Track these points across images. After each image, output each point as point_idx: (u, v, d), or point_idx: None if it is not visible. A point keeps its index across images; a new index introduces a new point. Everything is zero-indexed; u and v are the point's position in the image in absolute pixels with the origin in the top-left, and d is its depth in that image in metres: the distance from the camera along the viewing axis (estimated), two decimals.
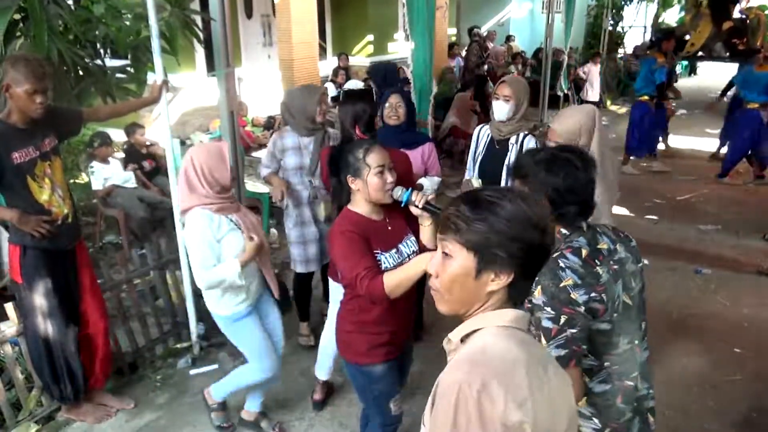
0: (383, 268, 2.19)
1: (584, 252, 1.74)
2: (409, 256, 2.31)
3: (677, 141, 9.55)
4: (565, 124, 2.71)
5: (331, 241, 2.29)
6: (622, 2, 15.85)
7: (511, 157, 3.33)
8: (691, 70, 18.43)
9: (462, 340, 1.22)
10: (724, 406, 3.46)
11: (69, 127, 3.19)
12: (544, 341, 1.68)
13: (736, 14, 11.55)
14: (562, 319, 1.67)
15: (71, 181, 5.89)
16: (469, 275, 1.19)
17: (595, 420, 1.82)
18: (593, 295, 1.69)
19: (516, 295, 1.23)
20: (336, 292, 3.30)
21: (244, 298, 2.83)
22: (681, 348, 3.99)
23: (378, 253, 2.23)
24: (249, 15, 9.78)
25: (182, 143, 7.63)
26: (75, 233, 3.17)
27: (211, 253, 2.64)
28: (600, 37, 14.23)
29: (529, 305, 1.74)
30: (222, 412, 3.21)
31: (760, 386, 3.63)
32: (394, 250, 2.29)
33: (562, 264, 1.71)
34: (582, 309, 1.67)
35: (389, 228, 2.31)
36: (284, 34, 8.56)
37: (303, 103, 3.56)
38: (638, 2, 16.32)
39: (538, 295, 1.70)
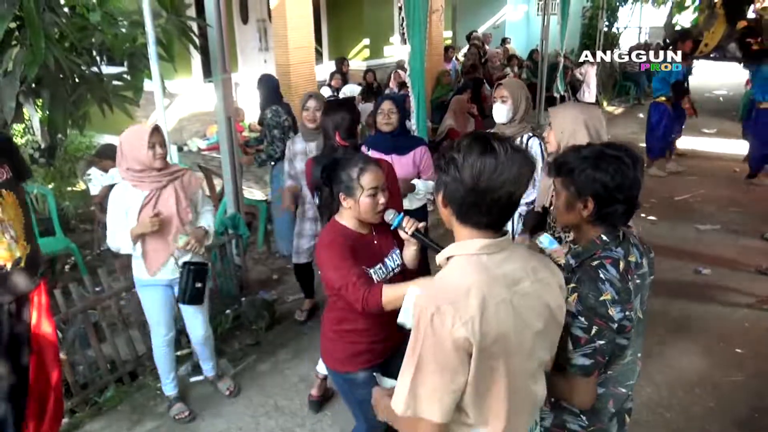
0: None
1: (622, 265, 1.71)
2: (393, 270, 2.32)
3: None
4: (561, 116, 2.72)
5: (318, 251, 2.28)
6: (617, 3, 15.91)
7: None
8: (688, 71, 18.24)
9: (448, 258, 1.49)
10: (726, 407, 3.45)
11: (21, 168, 2.81)
12: (571, 347, 1.67)
13: (750, 14, 11.43)
14: (594, 330, 1.65)
15: (68, 188, 5.88)
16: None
17: (583, 417, 1.85)
18: (627, 313, 1.68)
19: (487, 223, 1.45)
20: None
21: (146, 269, 3.11)
22: (681, 349, 3.99)
23: (364, 269, 2.22)
24: (245, 20, 9.77)
25: (180, 149, 7.63)
26: (29, 279, 2.72)
27: (118, 221, 3.00)
28: (595, 38, 14.27)
29: None
30: (176, 404, 3.45)
31: (761, 386, 3.63)
32: (379, 265, 2.29)
33: (602, 276, 1.68)
34: (615, 326, 1.66)
35: (375, 242, 2.32)
36: (280, 39, 8.54)
37: (300, 110, 3.70)
38: (633, 3, 16.38)
39: (572, 301, 1.67)
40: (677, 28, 12.56)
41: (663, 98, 7.72)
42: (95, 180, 5.43)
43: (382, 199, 2.21)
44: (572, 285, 1.70)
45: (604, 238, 1.74)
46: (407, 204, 3.69)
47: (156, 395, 3.61)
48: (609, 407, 1.85)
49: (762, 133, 7.30)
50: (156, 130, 2.97)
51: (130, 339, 3.74)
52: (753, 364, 3.85)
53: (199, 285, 3.17)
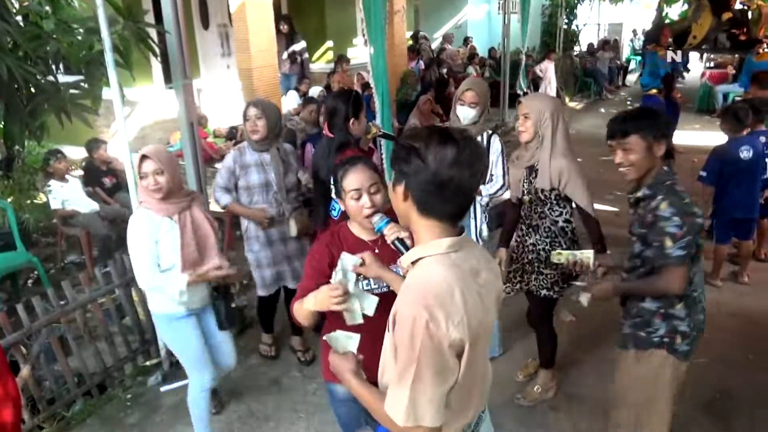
0: None
1: (684, 185, 2.29)
2: (388, 286, 2.03)
3: None
4: (537, 104, 3.00)
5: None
6: (576, 1, 16.21)
7: None
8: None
9: (413, 263, 1.51)
10: (689, 390, 3.53)
11: None
12: (669, 243, 2.18)
13: (737, 5, 11.65)
14: (685, 227, 2.16)
15: (28, 201, 5.75)
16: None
17: (687, 319, 2.37)
18: (701, 213, 2.24)
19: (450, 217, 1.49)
20: None
21: (180, 300, 2.78)
22: None
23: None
24: (206, 26, 9.69)
25: None
26: None
27: (149, 253, 2.69)
28: (556, 35, 14.52)
29: (652, 218, 2.23)
30: None
31: (722, 368, 3.75)
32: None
33: (677, 189, 2.24)
34: (698, 221, 2.20)
35: (376, 251, 2.06)
36: (242, 44, 8.48)
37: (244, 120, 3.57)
38: (591, 0, 16.71)
39: (664, 208, 2.19)
40: (667, 21, 12.82)
41: (654, 91, 7.97)
42: (56, 192, 5.33)
43: (368, 203, 2.01)
44: (659, 197, 2.23)
45: (666, 168, 2.29)
46: None
47: (126, 407, 3.56)
48: (699, 306, 2.42)
49: None
50: (144, 157, 2.67)
51: (98, 351, 3.67)
52: (715, 346, 3.95)
53: (233, 305, 3.01)
